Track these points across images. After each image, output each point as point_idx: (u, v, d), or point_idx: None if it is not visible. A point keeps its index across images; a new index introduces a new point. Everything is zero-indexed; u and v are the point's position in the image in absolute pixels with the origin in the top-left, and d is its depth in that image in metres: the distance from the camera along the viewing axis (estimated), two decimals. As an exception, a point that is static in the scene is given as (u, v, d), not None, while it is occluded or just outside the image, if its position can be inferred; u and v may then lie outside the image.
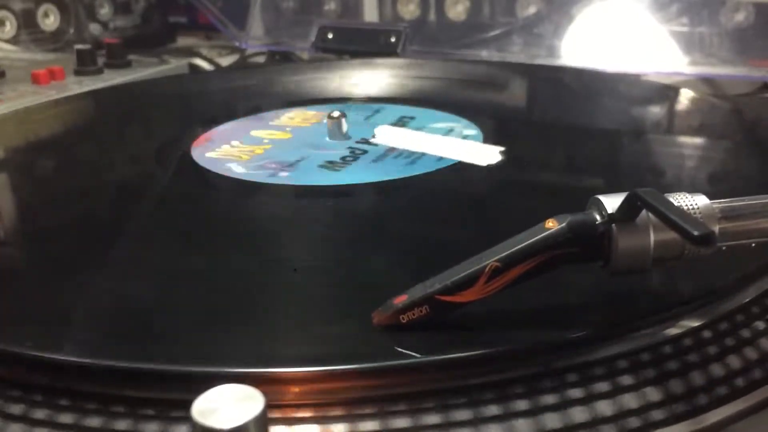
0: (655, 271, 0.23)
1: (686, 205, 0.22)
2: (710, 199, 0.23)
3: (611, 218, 0.22)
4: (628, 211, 0.21)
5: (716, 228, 0.22)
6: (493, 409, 0.20)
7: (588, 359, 0.21)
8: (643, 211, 0.21)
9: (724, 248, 0.23)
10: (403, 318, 0.22)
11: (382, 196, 0.35)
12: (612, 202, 0.22)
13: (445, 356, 0.21)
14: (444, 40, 0.67)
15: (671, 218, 0.20)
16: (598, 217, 0.22)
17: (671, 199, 0.22)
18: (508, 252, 0.21)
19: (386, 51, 0.67)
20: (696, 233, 0.19)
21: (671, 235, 0.21)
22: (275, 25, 0.77)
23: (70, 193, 0.37)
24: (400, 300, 0.22)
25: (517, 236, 0.22)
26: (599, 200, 0.22)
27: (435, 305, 0.22)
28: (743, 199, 0.23)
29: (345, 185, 0.35)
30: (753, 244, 0.23)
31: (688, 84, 0.56)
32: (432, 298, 0.22)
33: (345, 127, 0.42)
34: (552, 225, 0.22)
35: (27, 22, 0.75)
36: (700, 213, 0.22)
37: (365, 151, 0.40)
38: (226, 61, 0.79)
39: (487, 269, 0.21)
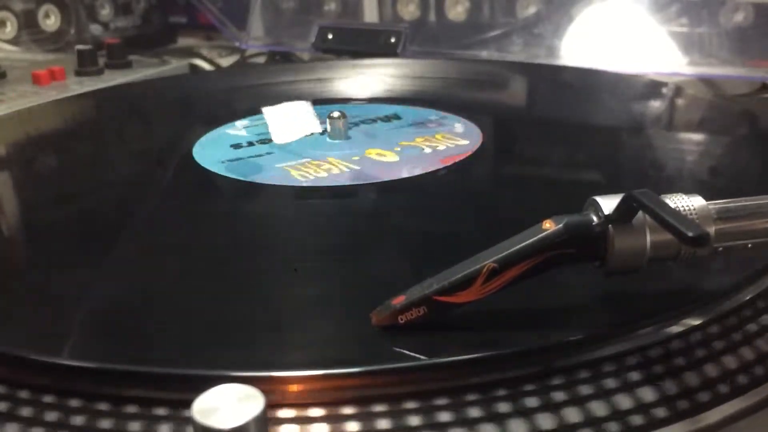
0: (655, 271, 0.23)
1: (682, 206, 0.22)
2: (708, 199, 0.23)
3: (608, 219, 0.22)
4: (624, 212, 0.21)
5: (712, 229, 0.22)
6: (490, 410, 0.20)
7: (587, 359, 0.21)
8: (640, 212, 0.22)
9: (720, 249, 0.23)
10: (401, 318, 0.22)
11: (380, 195, 0.35)
12: (609, 203, 0.22)
13: (442, 359, 0.21)
14: (444, 41, 0.68)
15: (666, 219, 0.20)
16: (594, 218, 0.22)
17: (667, 200, 0.22)
18: (505, 253, 0.21)
19: (386, 51, 0.67)
20: (690, 234, 0.19)
21: (667, 236, 0.21)
22: (275, 26, 0.77)
23: (70, 193, 0.37)
24: (399, 301, 0.22)
25: (514, 237, 0.22)
26: (596, 201, 0.22)
27: (433, 306, 0.22)
28: (739, 200, 0.23)
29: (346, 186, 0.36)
30: (749, 245, 0.23)
31: (687, 84, 0.56)
32: (430, 298, 0.22)
33: (342, 129, 0.42)
34: (549, 226, 0.22)
35: (28, 22, 0.76)
36: (695, 214, 0.22)
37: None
38: (226, 61, 0.79)
39: (484, 270, 0.21)
